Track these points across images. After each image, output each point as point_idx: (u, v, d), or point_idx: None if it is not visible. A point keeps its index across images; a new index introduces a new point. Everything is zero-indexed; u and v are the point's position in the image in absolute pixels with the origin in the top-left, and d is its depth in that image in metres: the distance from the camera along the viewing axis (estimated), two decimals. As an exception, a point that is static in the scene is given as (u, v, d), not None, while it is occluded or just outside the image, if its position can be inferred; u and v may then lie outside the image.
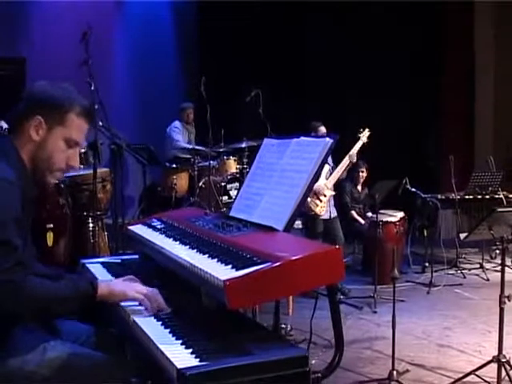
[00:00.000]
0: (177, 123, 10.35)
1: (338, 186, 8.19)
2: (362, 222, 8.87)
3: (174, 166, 9.53)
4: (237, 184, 9.36)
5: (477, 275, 8.59)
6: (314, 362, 4.87)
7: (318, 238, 7.17)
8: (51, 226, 5.47)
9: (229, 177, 9.35)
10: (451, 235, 9.01)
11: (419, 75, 11.47)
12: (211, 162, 8.87)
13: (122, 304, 2.70)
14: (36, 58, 9.66)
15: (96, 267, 3.39)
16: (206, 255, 2.59)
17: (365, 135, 7.40)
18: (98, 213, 6.14)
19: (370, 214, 8.75)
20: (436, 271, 8.26)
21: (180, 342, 2.26)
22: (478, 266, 8.86)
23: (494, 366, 4.63)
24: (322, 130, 7.60)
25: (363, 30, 11.24)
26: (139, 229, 3.53)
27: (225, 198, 9.14)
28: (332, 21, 11.40)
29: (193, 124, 10.59)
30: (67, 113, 2.67)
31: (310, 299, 4.46)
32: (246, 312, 2.83)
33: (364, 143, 7.39)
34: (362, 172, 9.13)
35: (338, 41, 11.20)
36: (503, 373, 4.59)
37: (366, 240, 8.61)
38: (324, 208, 7.24)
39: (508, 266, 8.56)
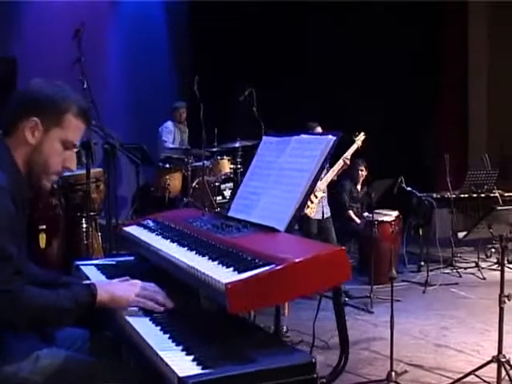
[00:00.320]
0: (168, 123, 10.32)
1: (336, 185, 8.15)
2: (358, 221, 8.82)
3: (168, 166, 9.45)
4: (231, 184, 9.33)
5: (472, 274, 8.57)
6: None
7: (311, 238, 7.11)
8: (44, 227, 5.41)
9: (222, 177, 9.32)
10: (446, 234, 9.01)
11: (414, 75, 11.45)
12: (205, 161, 8.80)
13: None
14: (27, 58, 9.56)
15: (90, 269, 3.30)
16: (206, 257, 2.50)
17: (360, 139, 7.31)
18: (92, 213, 6.05)
19: (366, 214, 8.70)
20: (431, 270, 8.23)
21: (180, 348, 2.16)
22: (473, 264, 8.83)
23: (494, 365, 4.59)
24: (318, 130, 7.53)
25: (358, 29, 11.20)
26: (134, 230, 3.44)
27: (219, 198, 9.10)
28: (332, 21, 11.34)
29: (185, 123, 10.55)
30: (64, 113, 2.57)
31: (307, 300, 4.39)
32: (244, 314, 2.73)
33: (358, 147, 7.31)
34: (362, 171, 9.08)
35: (336, 40, 11.14)
36: (503, 373, 4.54)
37: (361, 239, 8.57)
38: (314, 209, 7.18)
39: (507, 266, 8.59)
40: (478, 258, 8.90)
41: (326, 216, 7.49)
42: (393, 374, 4.78)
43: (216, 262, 2.41)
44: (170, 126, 10.31)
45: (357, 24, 11.25)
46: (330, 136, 2.77)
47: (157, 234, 3.16)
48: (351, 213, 8.91)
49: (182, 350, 2.14)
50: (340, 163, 7.20)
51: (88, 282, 2.83)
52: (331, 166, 7.22)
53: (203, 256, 2.53)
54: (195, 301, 2.52)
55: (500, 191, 8.66)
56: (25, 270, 2.56)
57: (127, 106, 11.15)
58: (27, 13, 9.99)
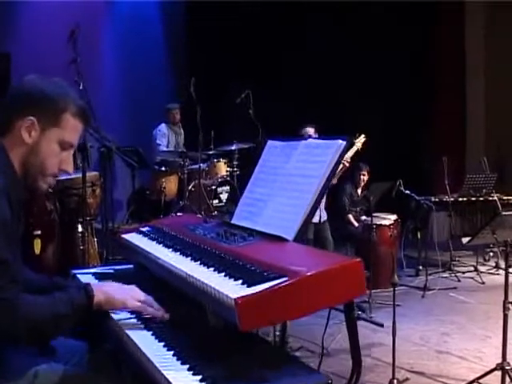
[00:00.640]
0: (162, 126, 10.25)
1: (336, 188, 8.06)
2: (356, 224, 8.73)
3: (163, 168, 9.38)
4: (227, 187, 9.27)
5: (471, 278, 8.48)
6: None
7: (308, 243, 7.02)
8: (39, 232, 5.29)
9: (219, 180, 9.26)
10: (444, 238, 8.95)
11: (411, 76, 11.43)
12: (201, 164, 8.72)
13: (116, 318, 2.52)
14: (22, 55, 9.46)
15: (87, 278, 3.18)
16: (212, 268, 2.37)
17: (360, 141, 7.22)
18: (88, 218, 5.93)
19: (364, 218, 8.62)
20: (430, 274, 8.14)
21: (187, 366, 2.03)
22: (472, 268, 8.74)
23: (497, 373, 4.52)
24: (309, 131, 7.41)
25: (356, 29, 11.15)
26: (134, 237, 3.31)
27: (215, 201, 9.05)
28: (331, 21, 11.27)
29: (180, 125, 10.47)
30: (62, 113, 2.45)
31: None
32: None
33: (358, 149, 7.22)
34: (364, 175, 8.99)
35: (334, 40, 11.08)
36: (507, 380, 4.49)
37: (358, 243, 8.47)
38: None
39: (502, 269, 8.53)
40: (477, 261, 8.83)
41: (322, 220, 7.40)
42: (395, 381, 4.70)
43: (223, 274, 2.28)
44: (164, 129, 10.23)
45: (355, 24, 11.20)
46: (340, 141, 2.65)
47: (158, 243, 3.03)
48: (350, 217, 8.82)
49: (189, 370, 2.02)
50: (339, 166, 7.09)
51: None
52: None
53: (209, 267, 2.40)
54: (200, 314, 2.38)
55: (498, 195, 8.60)
56: (20, 276, 2.46)
57: (122, 108, 11.06)
58: (23, 10, 9.88)
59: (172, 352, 2.17)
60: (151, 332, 2.38)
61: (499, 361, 4.56)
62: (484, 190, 8.69)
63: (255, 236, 2.69)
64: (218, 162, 9.53)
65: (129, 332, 2.39)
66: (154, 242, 3.07)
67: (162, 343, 2.26)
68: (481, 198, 8.71)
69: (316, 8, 11.23)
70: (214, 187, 9.14)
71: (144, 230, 3.41)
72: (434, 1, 11.09)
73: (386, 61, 11.11)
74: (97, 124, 5.96)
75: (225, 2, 10.92)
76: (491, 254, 9.26)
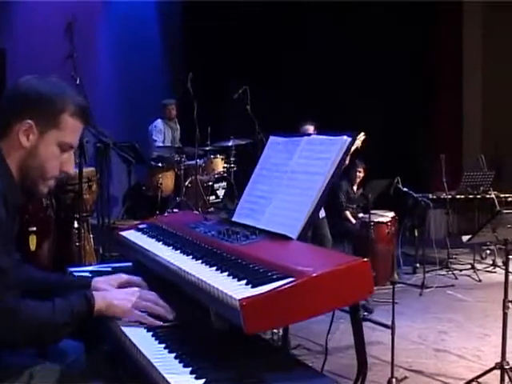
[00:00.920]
0: (158, 122, 10.22)
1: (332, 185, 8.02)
2: (354, 221, 8.69)
3: (160, 164, 9.32)
4: (224, 183, 9.24)
5: (468, 276, 8.48)
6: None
7: (306, 241, 6.98)
8: (34, 229, 5.24)
9: (216, 176, 9.22)
10: (441, 235, 8.93)
11: (410, 75, 11.41)
12: (198, 160, 8.68)
13: (116, 320, 2.47)
14: (17, 51, 9.40)
15: (86, 277, 3.15)
16: (214, 268, 2.30)
17: (359, 138, 7.17)
18: (84, 214, 5.88)
19: (361, 215, 8.58)
20: (427, 272, 8.11)
21: (189, 369, 1.97)
22: (469, 266, 8.73)
23: (496, 372, 4.51)
24: (308, 128, 7.37)
25: (355, 29, 11.12)
26: (132, 235, 3.24)
27: (212, 197, 9.01)
28: (331, 21, 11.23)
29: (176, 120, 10.45)
30: (61, 114, 2.38)
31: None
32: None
33: (358, 147, 7.17)
34: (360, 172, 8.95)
35: (334, 39, 11.04)
36: (506, 379, 4.46)
37: (356, 240, 8.44)
38: None
39: (499, 267, 8.52)
40: (474, 259, 8.81)
41: (321, 217, 7.36)
42: (393, 380, 4.67)
43: (226, 274, 2.21)
44: (160, 125, 10.20)
45: (355, 24, 11.18)
46: (345, 137, 2.58)
47: (157, 240, 2.95)
48: (348, 213, 8.77)
49: (191, 373, 1.96)
50: (344, 163, 7.05)
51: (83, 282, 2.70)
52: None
53: (211, 266, 2.33)
54: (202, 315, 2.32)
55: (496, 192, 8.60)
56: (18, 279, 2.40)
57: (118, 104, 11.03)
58: (18, 6, 9.83)
59: (174, 354, 2.11)
60: (152, 333, 2.32)
61: (498, 360, 4.55)
62: (481, 188, 8.70)
63: (258, 234, 2.62)
64: (215, 158, 9.49)
65: (129, 333, 2.33)
66: (154, 240, 3.00)
67: (163, 345, 2.20)
68: (478, 196, 8.71)
69: (315, 7, 11.19)
70: (210, 183, 9.10)
71: (143, 227, 3.33)
72: (433, 1, 11.06)
73: (384, 60, 11.12)
74: (93, 120, 5.91)
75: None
76: (488, 251, 9.23)
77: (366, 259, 2.06)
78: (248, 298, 1.92)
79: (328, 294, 2.00)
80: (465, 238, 7.00)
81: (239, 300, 1.91)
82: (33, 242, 5.19)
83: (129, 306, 2.44)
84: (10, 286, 2.20)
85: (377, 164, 9.18)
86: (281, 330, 5.56)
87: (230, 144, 9.33)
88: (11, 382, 2.29)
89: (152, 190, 9.20)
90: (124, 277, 2.75)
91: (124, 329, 2.38)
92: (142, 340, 2.27)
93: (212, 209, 8.46)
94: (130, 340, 2.28)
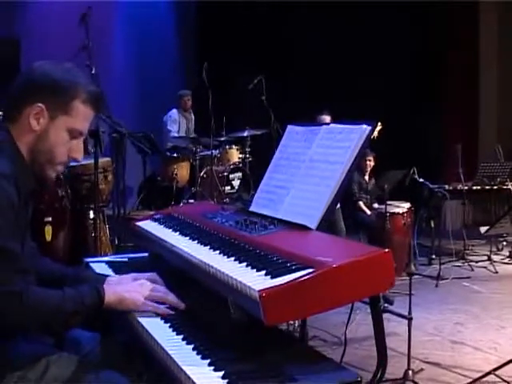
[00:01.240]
0: (173, 112, 10.23)
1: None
2: (369, 212, 8.65)
3: (175, 155, 9.31)
4: (239, 174, 9.23)
5: (484, 268, 8.41)
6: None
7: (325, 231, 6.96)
8: (50, 219, 5.21)
9: (231, 166, 9.21)
10: (457, 226, 8.88)
11: (426, 66, 11.35)
12: (213, 151, 8.66)
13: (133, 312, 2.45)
14: (31, 40, 9.38)
15: (100, 267, 3.12)
16: (232, 258, 2.27)
17: (376, 129, 7.12)
18: (100, 205, 5.86)
19: (376, 205, 8.55)
20: (443, 263, 8.07)
21: (207, 361, 1.94)
22: (485, 258, 8.67)
23: (513, 365, 4.46)
24: (325, 118, 7.33)
25: (371, 22, 11.06)
26: (149, 225, 3.21)
27: (227, 188, 8.99)
28: (349, 10, 11.17)
29: (191, 111, 10.46)
30: (72, 100, 2.37)
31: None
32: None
33: (374, 137, 7.13)
34: (370, 161, 8.88)
35: (351, 28, 10.98)
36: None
37: (372, 231, 8.40)
38: None
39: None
40: (491, 251, 8.75)
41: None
42: (410, 372, 4.64)
43: (244, 265, 2.18)
44: (175, 115, 10.22)
45: (371, 17, 11.08)
46: (365, 126, 2.54)
47: (174, 231, 2.92)
48: (361, 204, 8.73)
49: (210, 365, 1.93)
50: (364, 152, 7.02)
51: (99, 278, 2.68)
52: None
53: (229, 257, 2.30)
54: (220, 306, 2.25)
55: (513, 183, 8.56)
56: (30, 265, 2.41)
57: (133, 95, 11.04)
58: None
59: (192, 346, 2.08)
60: (169, 324, 2.30)
61: (516, 352, 4.53)
62: (498, 179, 8.65)
63: (276, 224, 2.58)
64: (230, 148, 9.50)
65: (146, 324, 2.31)
66: (170, 230, 2.96)
67: (181, 336, 2.17)
68: (495, 187, 8.66)
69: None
70: (225, 174, 9.10)
71: (159, 217, 3.31)
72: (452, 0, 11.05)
73: (402, 52, 11.11)
74: (108, 110, 5.90)
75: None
76: (504, 243, 9.21)
77: (387, 250, 2.02)
78: (267, 289, 1.89)
79: (348, 285, 1.96)
80: (482, 229, 6.99)
81: (259, 291, 1.88)
82: (48, 232, 5.18)
83: (140, 298, 2.42)
84: (20, 270, 2.19)
85: (392, 154, 9.13)
86: (297, 322, 5.59)
87: (245, 134, 9.32)
88: (28, 370, 2.29)
89: (167, 180, 9.19)
90: (139, 276, 2.72)
91: (141, 320, 2.36)
92: (159, 331, 2.24)
93: (227, 199, 8.44)
94: (147, 331, 2.26)
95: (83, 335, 2.71)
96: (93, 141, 5.51)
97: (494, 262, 8.48)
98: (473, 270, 8.29)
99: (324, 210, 2.47)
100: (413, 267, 4.75)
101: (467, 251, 8.83)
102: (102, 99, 2.55)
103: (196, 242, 2.64)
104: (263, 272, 2.06)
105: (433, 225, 8.45)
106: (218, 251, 2.42)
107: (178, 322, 2.31)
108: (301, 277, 1.92)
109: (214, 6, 11.26)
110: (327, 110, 7.45)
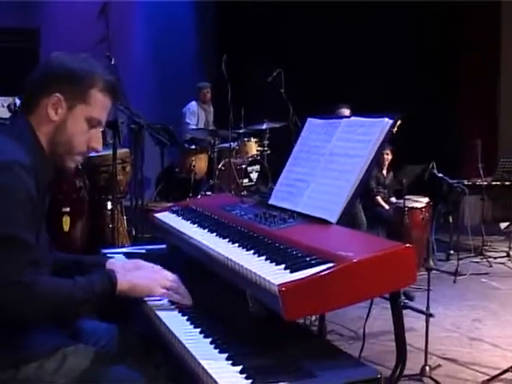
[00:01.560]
0: (192, 104, 10.25)
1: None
2: (387, 207, 8.60)
3: (193, 147, 9.30)
4: (257, 166, 9.21)
5: (503, 264, 8.34)
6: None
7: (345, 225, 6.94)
8: (67, 209, 5.23)
9: (249, 159, 9.20)
10: (476, 222, 8.83)
11: (446, 61, 11.31)
12: (231, 143, 8.64)
13: (149, 302, 2.45)
14: (52, 30, 9.39)
15: (118, 258, 3.11)
16: (251, 251, 2.25)
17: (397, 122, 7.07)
18: (117, 196, 5.86)
19: (394, 200, 8.50)
20: (461, 259, 8.01)
21: (225, 356, 1.93)
22: (504, 254, 8.59)
23: (533, 362, 4.44)
24: (344, 111, 7.29)
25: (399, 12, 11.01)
26: (167, 217, 3.20)
27: (245, 180, 8.97)
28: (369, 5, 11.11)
29: (210, 103, 10.46)
30: (89, 89, 2.37)
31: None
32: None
33: (393, 132, 7.07)
34: (387, 154, 8.82)
35: (371, 23, 10.92)
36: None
37: (390, 226, 8.36)
38: None
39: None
40: (510, 247, 8.66)
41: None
42: (427, 368, 4.63)
43: (263, 258, 2.15)
44: (194, 107, 10.23)
45: (389, 14, 11.01)
46: (386, 119, 2.52)
47: (192, 223, 2.90)
48: (379, 199, 8.67)
49: (228, 359, 1.91)
50: (385, 145, 6.98)
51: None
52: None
53: (248, 250, 2.28)
54: (238, 300, 2.23)
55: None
56: (44, 257, 2.40)
57: (152, 86, 11.04)
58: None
59: (209, 339, 2.07)
60: (187, 317, 2.29)
61: (534, 349, 4.49)
62: (518, 175, 8.57)
63: (296, 218, 2.56)
64: (249, 141, 9.49)
65: (163, 317, 2.31)
66: (189, 222, 2.95)
67: (199, 329, 2.16)
68: (515, 183, 8.58)
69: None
70: (244, 166, 9.08)
71: (177, 209, 3.29)
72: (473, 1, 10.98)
73: (423, 46, 11.06)
74: (127, 101, 5.90)
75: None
76: (524, 239, 9.11)
77: (409, 245, 1.99)
78: (287, 283, 1.87)
79: (369, 280, 1.94)
80: (502, 225, 6.95)
81: (278, 285, 1.86)
82: (66, 222, 5.19)
83: (153, 284, 2.41)
84: (32, 261, 2.17)
85: (411, 149, 9.08)
86: (314, 316, 5.57)
87: (263, 127, 9.31)
88: (44, 361, 2.28)
89: (185, 172, 9.18)
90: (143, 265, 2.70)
91: (159, 313, 2.35)
92: (176, 324, 2.23)
93: (245, 192, 8.43)
94: (164, 324, 2.25)
95: (100, 327, 2.71)
96: (111, 132, 5.51)
97: (514, 258, 8.41)
98: (491, 266, 8.21)
99: (344, 205, 2.45)
100: (431, 262, 4.69)
101: (485, 247, 8.74)
102: (118, 88, 2.54)
103: (215, 234, 2.63)
104: (283, 266, 2.04)
105: (451, 220, 8.39)
106: (236, 244, 2.40)
107: (196, 315, 2.30)
108: (321, 271, 1.90)
109: (235, 4, 11.22)
110: (346, 103, 7.41)
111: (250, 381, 1.79)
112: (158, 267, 2.56)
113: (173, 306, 2.41)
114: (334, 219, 2.44)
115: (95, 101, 2.39)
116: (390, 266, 1.97)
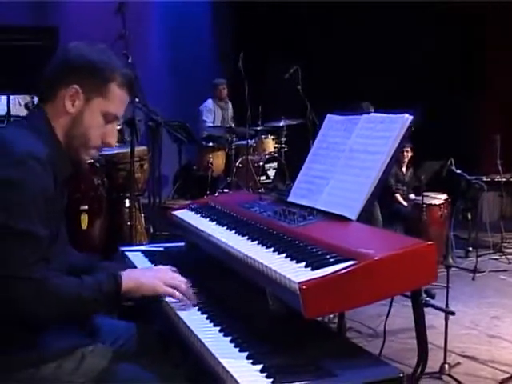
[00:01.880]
0: (208, 101, 10.24)
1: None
2: (405, 204, 8.56)
3: (211, 144, 9.31)
4: (275, 164, 9.21)
5: (522, 260, 8.29)
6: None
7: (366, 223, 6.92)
8: (86, 207, 5.24)
9: (267, 156, 9.19)
10: (494, 218, 8.78)
11: (465, 56, 11.29)
12: (249, 140, 8.63)
13: (167, 299, 2.43)
14: (70, 28, 9.39)
15: (136, 256, 3.11)
16: (271, 249, 2.22)
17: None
18: (135, 193, 5.86)
19: (412, 196, 8.46)
20: (480, 256, 7.95)
21: (245, 354, 1.91)
22: (523, 251, 8.55)
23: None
24: (369, 108, 7.26)
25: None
26: (185, 215, 3.19)
27: (263, 178, 8.97)
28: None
29: (227, 100, 10.44)
30: (108, 83, 2.34)
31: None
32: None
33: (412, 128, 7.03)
34: (407, 152, 8.77)
35: (389, 20, 10.87)
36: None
37: (408, 222, 8.32)
38: None
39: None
40: (528, 244, 8.64)
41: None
42: (446, 366, 4.60)
43: (283, 256, 2.13)
44: (210, 105, 10.22)
45: (408, 11, 10.96)
46: (406, 115, 2.49)
47: (211, 220, 2.89)
48: (398, 196, 8.63)
49: (248, 358, 1.90)
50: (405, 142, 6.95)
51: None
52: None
53: (268, 248, 2.26)
54: (258, 298, 2.20)
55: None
56: (59, 254, 2.38)
57: (169, 84, 11.03)
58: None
59: (229, 338, 2.05)
60: (206, 315, 2.27)
61: (553, 347, 4.46)
62: (538, 171, 8.52)
63: (316, 215, 2.53)
64: (266, 138, 9.49)
65: (182, 315, 2.29)
66: (207, 220, 2.93)
67: (218, 328, 2.15)
68: (534, 179, 8.53)
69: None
70: (261, 163, 9.09)
71: (195, 206, 3.27)
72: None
73: (441, 42, 10.99)
74: (144, 98, 5.89)
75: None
76: (543, 236, 9.05)
77: (431, 242, 1.97)
78: (308, 281, 1.85)
79: (390, 278, 1.91)
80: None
81: (299, 283, 1.84)
82: (84, 220, 5.20)
83: (158, 282, 2.39)
84: (43, 257, 2.16)
85: (429, 145, 9.02)
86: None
87: (281, 124, 9.29)
88: (63, 361, 2.28)
89: (202, 169, 9.17)
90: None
91: (178, 311, 2.34)
92: (196, 323, 2.22)
93: (262, 189, 8.42)
94: (183, 322, 2.24)
95: (119, 325, 2.70)
96: (129, 129, 5.51)
97: (533, 255, 8.34)
98: (510, 262, 8.16)
99: (364, 201, 2.43)
100: (450, 259, 4.66)
101: (504, 244, 8.69)
102: (135, 83, 2.53)
103: (234, 232, 2.61)
104: (303, 264, 2.02)
105: (470, 217, 8.35)
106: (256, 242, 2.38)
107: (215, 314, 2.28)
108: (342, 269, 1.88)
109: (252, 3, 11.19)
110: (367, 100, 7.37)
111: (270, 380, 1.77)
112: (168, 267, 2.56)
113: (191, 305, 2.39)
114: (354, 216, 2.41)
115: (114, 95, 2.37)
116: (411, 263, 1.95)
